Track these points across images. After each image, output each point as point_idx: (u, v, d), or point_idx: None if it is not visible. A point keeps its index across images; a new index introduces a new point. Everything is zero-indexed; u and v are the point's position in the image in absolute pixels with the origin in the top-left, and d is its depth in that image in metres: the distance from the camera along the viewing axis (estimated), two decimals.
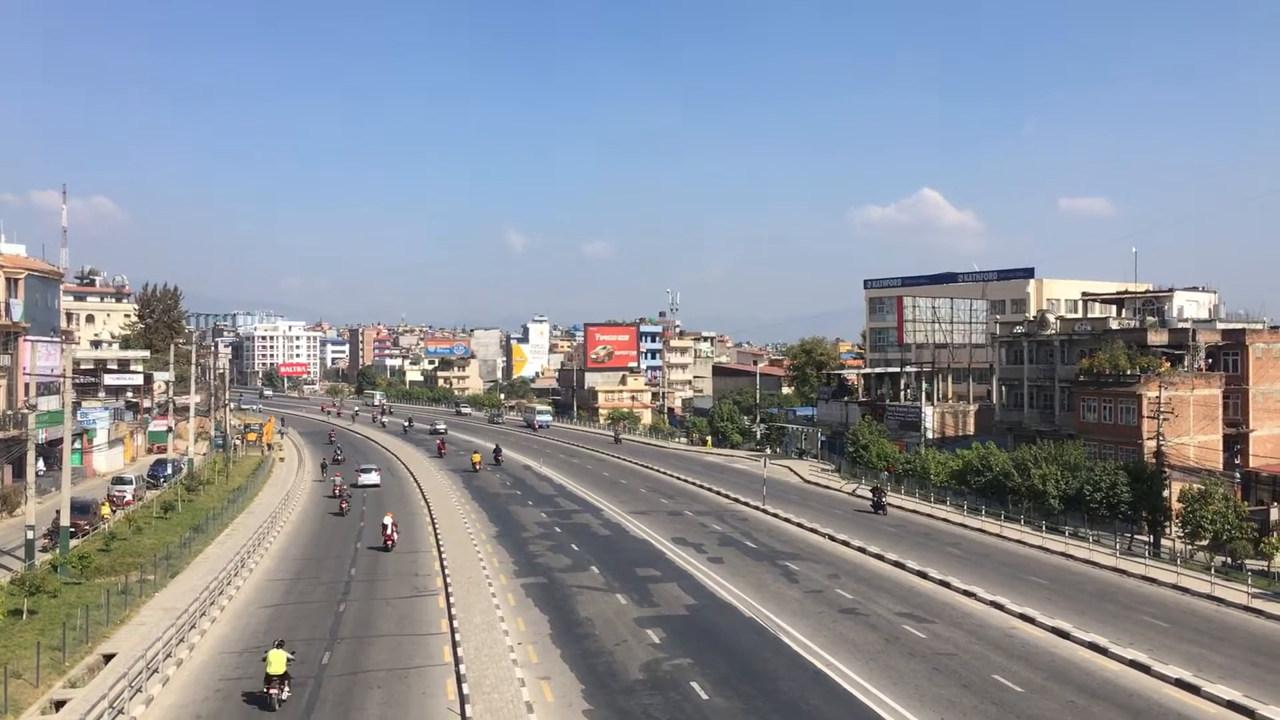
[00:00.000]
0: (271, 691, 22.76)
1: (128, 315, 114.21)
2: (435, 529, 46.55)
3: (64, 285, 79.45)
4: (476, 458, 73.17)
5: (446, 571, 36.83)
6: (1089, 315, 75.97)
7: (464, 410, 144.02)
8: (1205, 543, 43.08)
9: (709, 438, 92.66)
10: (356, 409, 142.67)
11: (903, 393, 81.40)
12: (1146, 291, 78.01)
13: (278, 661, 22.86)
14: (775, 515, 51.91)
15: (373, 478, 62.54)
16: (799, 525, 48.88)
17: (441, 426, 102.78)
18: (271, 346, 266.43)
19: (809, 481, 68.01)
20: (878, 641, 28.43)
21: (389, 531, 42.74)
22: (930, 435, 72.51)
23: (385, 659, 26.54)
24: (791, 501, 56.80)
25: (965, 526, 48.78)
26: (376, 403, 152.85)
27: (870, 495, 54.82)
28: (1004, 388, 71.39)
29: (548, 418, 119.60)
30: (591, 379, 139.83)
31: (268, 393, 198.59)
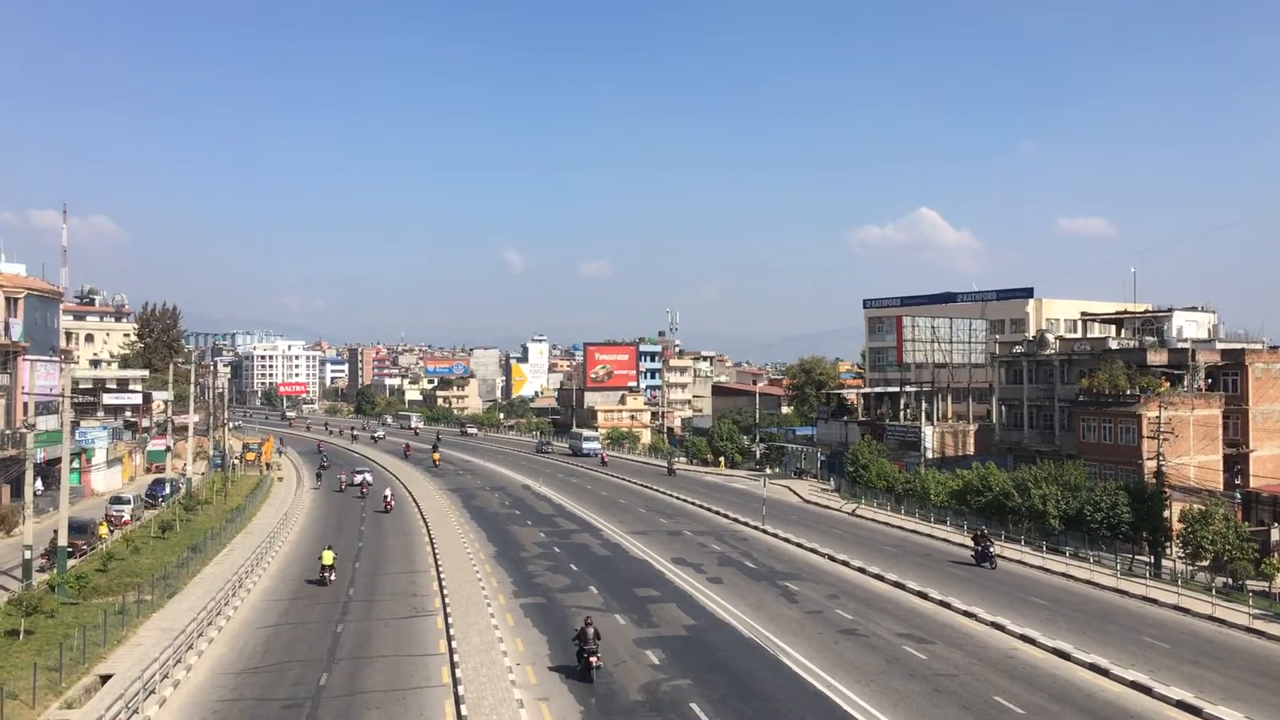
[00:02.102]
0: (324, 574, 38.18)
1: (127, 335, 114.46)
2: (434, 549, 46.42)
3: (63, 305, 79.58)
4: (436, 456, 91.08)
5: (445, 591, 36.71)
6: (1088, 335, 76.14)
7: (469, 430, 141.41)
8: (1206, 563, 43.00)
9: (721, 459, 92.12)
10: (384, 432, 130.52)
11: (902, 412, 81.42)
12: (1145, 311, 78.23)
13: (328, 557, 38.65)
14: (775, 535, 51.81)
15: (366, 477, 73.61)
16: (798, 545, 48.77)
17: (381, 433, 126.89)
18: (271, 366, 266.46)
19: (808, 501, 67.90)
20: (878, 662, 28.30)
21: (389, 499, 60.92)
22: (930, 455, 72.51)
23: (383, 680, 26.39)
24: (791, 521, 56.68)
25: (965, 547, 48.62)
26: (411, 425, 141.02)
27: (973, 544, 46.15)
28: (1004, 407, 71.41)
29: (596, 444, 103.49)
30: (591, 398, 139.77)
31: (291, 414, 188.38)
